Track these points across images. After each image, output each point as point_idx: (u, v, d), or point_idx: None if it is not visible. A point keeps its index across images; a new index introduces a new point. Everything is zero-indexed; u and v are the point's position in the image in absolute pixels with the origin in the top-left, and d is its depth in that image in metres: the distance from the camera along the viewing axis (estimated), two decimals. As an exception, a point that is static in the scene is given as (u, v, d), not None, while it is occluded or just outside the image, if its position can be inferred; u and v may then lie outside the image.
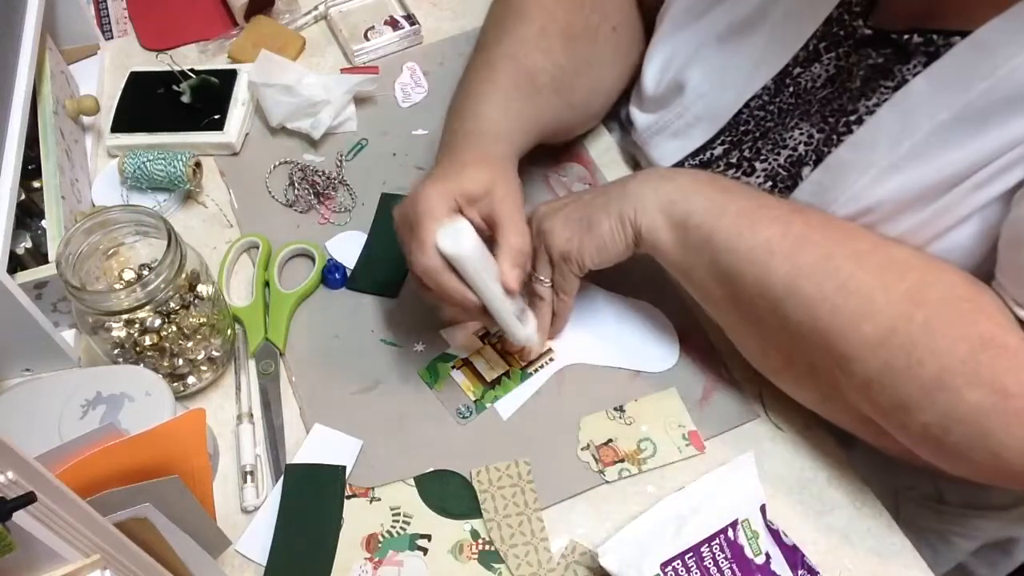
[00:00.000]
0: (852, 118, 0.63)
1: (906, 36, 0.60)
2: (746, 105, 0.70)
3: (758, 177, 0.70)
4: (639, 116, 0.78)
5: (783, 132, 0.69)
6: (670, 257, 0.63)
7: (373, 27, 0.93)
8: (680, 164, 0.75)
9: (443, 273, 0.60)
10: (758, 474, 0.64)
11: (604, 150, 0.84)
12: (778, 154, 0.69)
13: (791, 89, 0.68)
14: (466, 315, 0.67)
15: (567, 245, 0.64)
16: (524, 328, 0.65)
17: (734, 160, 0.72)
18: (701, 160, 0.74)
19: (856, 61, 0.63)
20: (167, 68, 0.88)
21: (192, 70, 0.87)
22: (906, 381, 0.53)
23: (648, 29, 0.80)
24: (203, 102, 0.86)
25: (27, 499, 0.36)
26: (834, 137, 0.64)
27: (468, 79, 0.72)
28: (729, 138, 0.72)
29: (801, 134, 0.68)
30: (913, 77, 0.59)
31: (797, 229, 0.58)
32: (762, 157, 0.70)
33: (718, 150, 0.73)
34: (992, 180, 0.55)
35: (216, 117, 0.85)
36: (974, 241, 0.57)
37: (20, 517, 0.37)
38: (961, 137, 0.56)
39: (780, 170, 0.69)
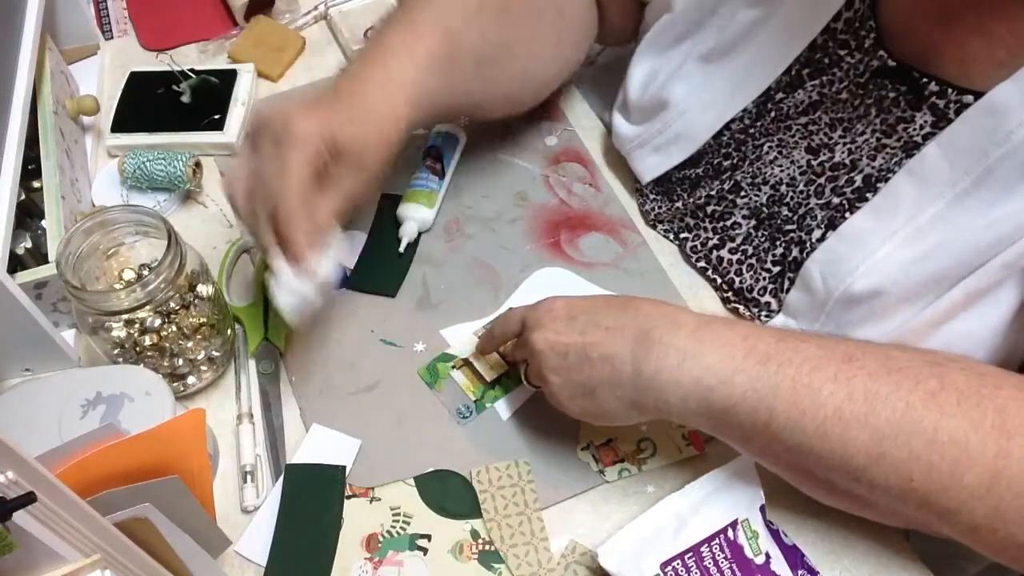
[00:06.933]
0: (856, 176, 0.63)
1: (924, 80, 0.59)
2: (727, 127, 0.70)
3: (741, 210, 0.71)
4: (624, 126, 0.77)
5: (763, 167, 0.69)
6: (710, 434, 0.58)
7: (373, 27, 0.93)
8: (662, 178, 0.75)
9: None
10: (758, 474, 0.64)
11: (605, 150, 0.84)
12: (759, 190, 0.70)
13: (772, 114, 0.69)
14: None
15: (559, 398, 0.60)
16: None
17: (714, 193, 0.72)
18: (686, 175, 0.74)
19: (863, 92, 0.62)
20: (167, 68, 0.88)
21: (192, 70, 0.87)
22: (1020, 521, 0.49)
23: (603, 25, 0.79)
24: (203, 102, 0.86)
25: (27, 499, 0.36)
26: (822, 181, 0.64)
27: (386, 30, 0.65)
28: (712, 160, 0.72)
29: (781, 171, 0.68)
30: (921, 139, 0.59)
31: (861, 385, 0.51)
32: (743, 193, 0.71)
33: (700, 170, 0.73)
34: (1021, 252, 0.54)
35: (216, 117, 0.85)
36: (1008, 311, 0.57)
37: (20, 517, 0.37)
38: (981, 205, 0.55)
39: (763, 208, 0.70)
